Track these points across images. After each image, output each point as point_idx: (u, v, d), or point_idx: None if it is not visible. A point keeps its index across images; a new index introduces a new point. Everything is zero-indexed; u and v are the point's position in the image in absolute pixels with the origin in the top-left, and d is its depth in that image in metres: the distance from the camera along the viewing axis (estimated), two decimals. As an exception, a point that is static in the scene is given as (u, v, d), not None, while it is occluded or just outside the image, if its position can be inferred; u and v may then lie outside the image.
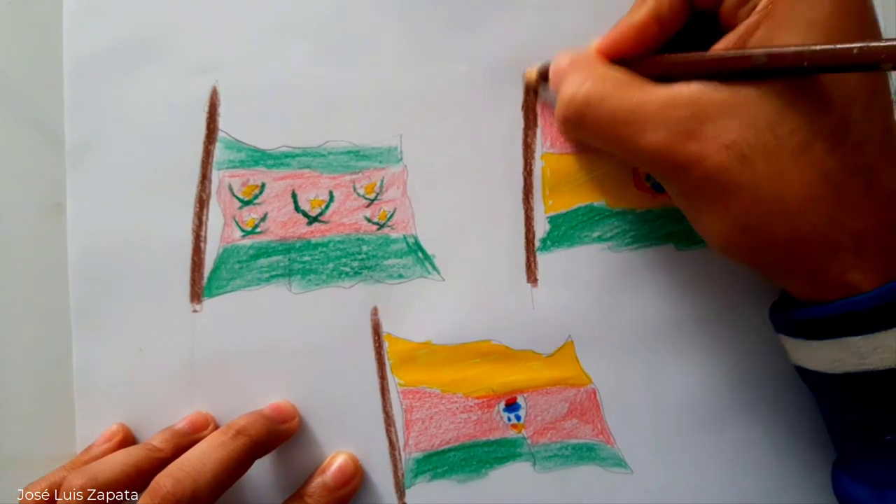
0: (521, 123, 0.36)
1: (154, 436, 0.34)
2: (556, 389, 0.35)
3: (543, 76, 0.34)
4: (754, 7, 0.27)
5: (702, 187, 0.27)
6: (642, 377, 0.35)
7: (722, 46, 0.28)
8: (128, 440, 0.35)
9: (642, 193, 0.35)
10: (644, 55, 0.30)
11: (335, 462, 0.35)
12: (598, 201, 0.36)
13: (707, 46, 0.29)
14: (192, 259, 0.35)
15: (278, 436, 0.34)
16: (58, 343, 0.36)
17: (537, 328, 0.35)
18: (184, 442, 0.33)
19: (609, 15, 0.35)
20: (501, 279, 0.35)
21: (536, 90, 0.36)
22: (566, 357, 0.35)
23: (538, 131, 0.36)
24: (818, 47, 0.25)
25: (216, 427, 0.35)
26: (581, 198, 0.36)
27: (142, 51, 0.36)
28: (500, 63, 0.36)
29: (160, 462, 0.31)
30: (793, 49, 0.25)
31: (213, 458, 0.30)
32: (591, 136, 0.30)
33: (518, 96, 0.36)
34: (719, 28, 0.29)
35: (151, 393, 0.35)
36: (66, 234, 0.36)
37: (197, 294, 0.35)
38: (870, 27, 0.27)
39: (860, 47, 0.24)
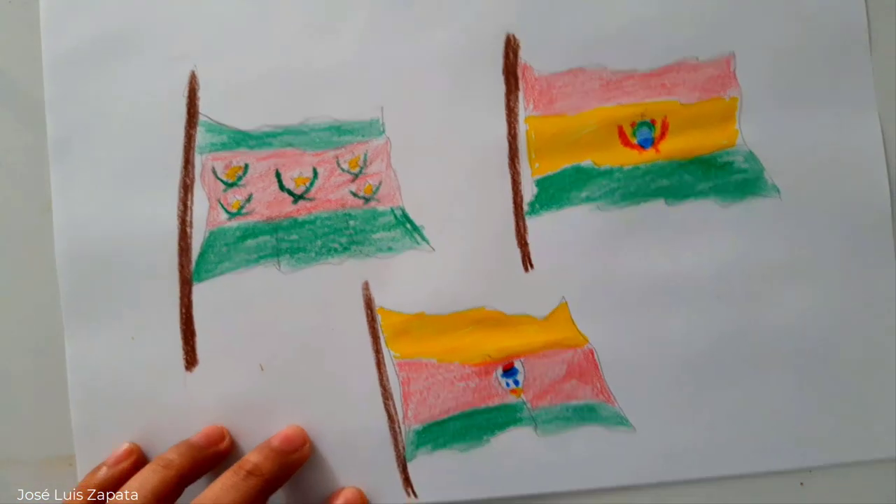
0: (502, 88, 0.35)
1: (170, 449, 0.33)
2: (553, 352, 0.35)
3: None
4: None
5: None
6: (639, 334, 0.34)
7: None
8: (140, 461, 0.34)
9: (629, 150, 0.35)
10: None
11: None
12: (585, 161, 0.35)
13: None
14: (179, 245, 0.35)
15: (290, 468, 0.33)
16: (53, 341, 0.35)
17: (530, 292, 0.35)
18: (200, 456, 0.33)
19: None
20: (492, 245, 0.35)
21: (517, 53, 0.35)
22: (561, 319, 0.35)
23: (520, 94, 0.35)
24: None
25: (231, 441, 0.35)
26: (567, 159, 0.35)
27: (119, 42, 0.36)
28: (479, 28, 0.35)
29: (177, 480, 0.31)
30: None
31: (226, 502, 0.30)
32: None
33: (498, 61, 0.35)
34: None
35: (146, 382, 0.35)
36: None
37: (186, 280, 0.35)
38: None
39: None
